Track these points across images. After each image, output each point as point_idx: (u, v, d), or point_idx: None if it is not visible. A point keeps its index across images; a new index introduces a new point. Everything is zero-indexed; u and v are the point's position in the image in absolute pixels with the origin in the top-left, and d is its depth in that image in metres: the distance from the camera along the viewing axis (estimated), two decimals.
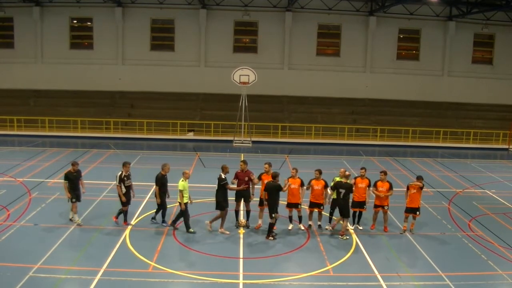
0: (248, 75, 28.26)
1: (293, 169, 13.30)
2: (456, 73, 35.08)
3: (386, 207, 13.33)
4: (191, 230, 12.70)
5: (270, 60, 34.12)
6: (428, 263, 11.31)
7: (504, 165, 26.74)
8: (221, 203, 12.62)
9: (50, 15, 33.38)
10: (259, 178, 13.25)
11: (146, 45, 34.11)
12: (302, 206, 13.22)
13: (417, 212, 13.28)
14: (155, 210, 13.48)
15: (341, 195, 12.67)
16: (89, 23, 34.21)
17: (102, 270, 10.22)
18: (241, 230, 12.99)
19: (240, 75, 28.29)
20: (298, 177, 13.06)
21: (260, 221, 13.33)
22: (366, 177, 13.40)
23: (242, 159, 13.97)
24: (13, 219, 13.29)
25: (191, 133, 31.19)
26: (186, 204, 12.60)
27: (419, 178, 13.34)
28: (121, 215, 13.20)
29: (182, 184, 12.52)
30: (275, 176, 12.53)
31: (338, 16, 33.91)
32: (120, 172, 12.86)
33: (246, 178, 13.08)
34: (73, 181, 13.11)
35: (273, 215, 12.36)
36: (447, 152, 29.27)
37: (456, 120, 34.01)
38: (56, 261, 10.62)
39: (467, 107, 35.04)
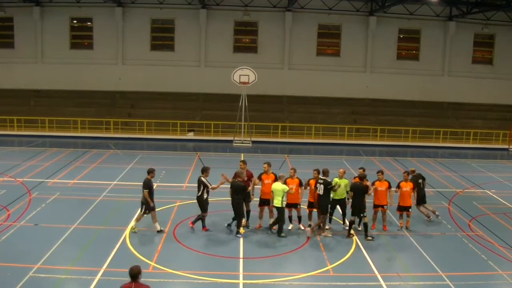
0: (248, 75, 28.25)
1: (291, 169, 13.29)
2: (456, 73, 35.07)
3: (385, 207, 13.37)
4: (283, 234, 12.70)
5: (270, 60, 34.12)
6: (428, 263, 11.31)
7: (504, 165, 26.73)
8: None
9: (50, 15, 33.38)
10: (259, 178, 13.22)
11: (146, 45, 34.11)
12: (301, 206, 13.21)
13: (409, 210, 13.44)
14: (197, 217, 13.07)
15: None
16: (89, 23, 34.21)
17: (102, 270, 10.22)
18: (241, 230, 12.98)
19: (240, 75, 28.28)
20: (297, 177, 13.05)
21: (260, 221, 13.33)
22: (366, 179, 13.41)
23: (242, 159, 13.95)
24: (13, 219, 13.29)
25: (191, 133, 31.19)
26: (282, 207, 12.48)
27: (412, 172, 13.37)
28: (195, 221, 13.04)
29: (275, 186, 12.50)
30: (362, 177, 12.72)
31: (338, 16, 33.91)
32: (147, 179, 12.57)
33: (246, 178, 13.07)
34: (152, 188, 12.71)
35: (363, 215, 12.58)
36: (447, 152, 29.27)
37: (456, 120, 34.01)
38: (56, 261, 10.62)
39: (467, 107, 35.04)
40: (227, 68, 30.33)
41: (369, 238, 12.66)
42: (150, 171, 12.73)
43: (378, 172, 13.49)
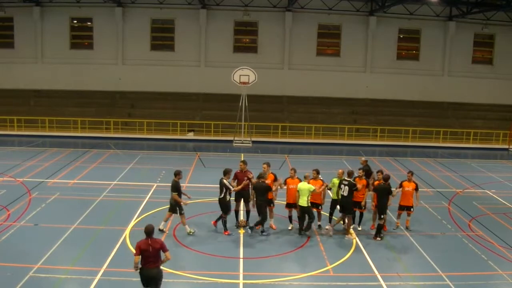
0: (248, 75, 28.24)
1: (291, 169, 13.29)
2: (456, 73, 35.06)
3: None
4: (307, 233, 12.80)
5: (270, 60, 34.12)
6: (428, 263, 11.31)
7: (504, 165, 26.72)
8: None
9: (50, 15, 33.38)
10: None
11: (146, 45, 34.11)
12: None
13: (411, 209, 13.46)
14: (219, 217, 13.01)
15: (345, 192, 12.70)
16: (89, 23, 34.20)
17: (102, 270, 10.22)
18: (241, 230, 12.98)
19: (240, 75, 28.27)
20: (297, 178, 13.04)
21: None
22: (364, 178, 13.41)
23: (242, 159, 13.95)
24: (13, 219, 13.29)
25: (191, 133, 31.19)
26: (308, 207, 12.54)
27: (386, 177, 13.36)
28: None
29: (301, 186, 12.55)
30: (386, 178, 12.80)
31: (338, 16, 33.91)
32: (175, 182, 12.54)
33: (246, 178, 13.08)
34: (180, 190, 12.68)
35: (382, 216, 12.61)
36: (447, 152, 29.27)
37: (456, 120, 34.00)
38: (56, 261, 10.63)
39: (467, 107, 35.03)
40: (227, 68, 30.33)
41: (378, 238, 12.73)
42: (177, 173, 12.68)
43: (377, 172, 13.49)
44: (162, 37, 34.57)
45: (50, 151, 24.68)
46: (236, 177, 13.17)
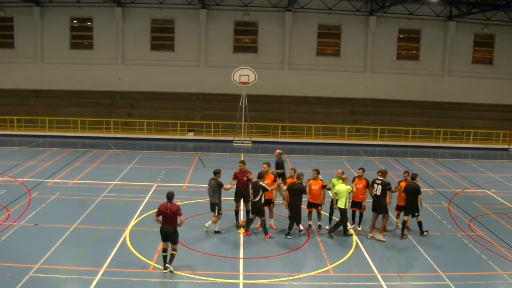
0: (248, 75, 28.24)
1: (291, 169, 13.28)
2: (456, 73, 35.07)
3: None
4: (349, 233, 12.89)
5: (270, 60, 34.12)
6: (428, 263, 11.31)
7: (504, 165, 26.72)
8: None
9: (50, 15, 33.38)
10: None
11: (146, 45, 34.11)
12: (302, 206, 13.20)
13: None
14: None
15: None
16: (89, 23, 34.21)
17: (102, 270, 10.22)
18: (241, 230, 12.98)
19: (240, 75, 28.27)
20: (297, 178, 13.03)
21: (260, 222, 13.29)
22: (364, 178, 13.39)
23: (241, 159, 13.95)
24: (13, 219, 13.29)
25: (191, 133, 31.19)
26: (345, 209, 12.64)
27: (413, 176, 13.40)
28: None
29: (340, 188, 12.64)
30: (414, 177, 12.90)
31: (338, 16, 33.91)
32: (217, 180, 12.55)
33: (245, 178, 13.08)
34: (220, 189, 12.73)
35: (416, 214, 12.84)
36: (447, 152, 29.27)
37: (456, 120, 34.00)
38: (56, 261, 10.62)
39: (467, 107, 35.03)
40: (227, 68, 30.33)
41: (425, 233, 13.05)
42: (217, 172, 12.68)
43: (378, 172, 13.46)
44: (162, 37, 34.57)
45: (50, 151, 24.69)
46: (235, 177, 13.16)
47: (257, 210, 12.60)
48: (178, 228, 10.32)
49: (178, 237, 10.37)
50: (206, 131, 31.12)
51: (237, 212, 13.58)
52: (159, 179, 18.84)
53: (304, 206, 13.53)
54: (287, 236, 12.67)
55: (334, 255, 11.59)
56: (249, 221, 12.95)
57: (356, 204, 13.30)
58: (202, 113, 32.97)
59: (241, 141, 28.83)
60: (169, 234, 10.19)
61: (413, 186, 12.77)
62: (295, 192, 12.54)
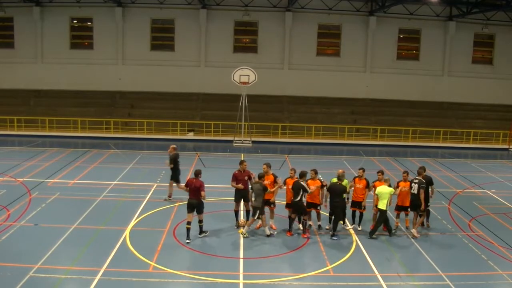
0: (248, 75, 28.24)
1: (291, 169, 13.26)
2: (456, 73, 35.06)
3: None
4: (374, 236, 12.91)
5: (270, 60, 34.12)
6: (428, 263, 11.31)
7: (504, 165, 26.71)
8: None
9: (50, 15, 33.38)
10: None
11: (146, 45, 34.10)
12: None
13: (408, 210, 13.47)
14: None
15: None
16: (89, 23, 34.20)
17: (102, 270, 10.22)
18: (241, 230, 12.97)
19: (240, 75, 28.27)
20: (296, 177, 13.03)
21: (260, 222, 13.29)
22: (364, 178, 13.41)
23: (241, 159, 13.93)
24: (13, 219, 13.29)
25: (191, 133, 31.19)
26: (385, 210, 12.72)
27: (405, 173, 13.56)
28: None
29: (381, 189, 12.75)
30: (419, 173, 13.05)
31: (338, 16, 33.90)
32: (260, 184, 12.55)
33: (246, 178, 13.09)
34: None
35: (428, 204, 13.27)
36: (447, 152, 29.27)
37: (456, 120, 34.00)
38: (56, 261, 10.62)
39: (467, 107, 35.02)
40: (227, 68, 30.34)
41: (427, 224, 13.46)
42: (263, 176, 12.72)
43: (378, 172, 13.47)
44: (162, 37, 34.55)
45: (50, 151, 24.68)
46: (235, 177, 13.16)
47: (298, 209, 12.63)
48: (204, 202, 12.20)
49: (202, 208, 12.20)
50: (206, 131, 31.12)
51: (237, 212, 13.58)
52: (159, 179, 18.84)
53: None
54: (333, 238, 12.68)
55: (334, 255, 11.60)
56: (291, 221, 12.96)
57: (356, 204, 13.31)
58: (202, 113, 32.97)
59: (241, 141, 28.83)
60: (194, 205, 12.06)
61: (337, 187, 12.79)
62: (336, 193, 12.62)
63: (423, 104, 34.49)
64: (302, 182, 12.49)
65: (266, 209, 13.04)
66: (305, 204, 12.69)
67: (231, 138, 29.25)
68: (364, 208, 13.36)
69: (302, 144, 30.29)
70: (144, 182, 18.17)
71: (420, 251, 12.07)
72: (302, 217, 12.88)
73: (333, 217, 12.98)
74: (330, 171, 15.41)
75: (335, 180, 13.08)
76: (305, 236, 12.69)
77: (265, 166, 13.19)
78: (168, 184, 15.82)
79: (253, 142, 29.14)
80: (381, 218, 12.78)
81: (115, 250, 11.39)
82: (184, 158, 24.56)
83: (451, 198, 17.46)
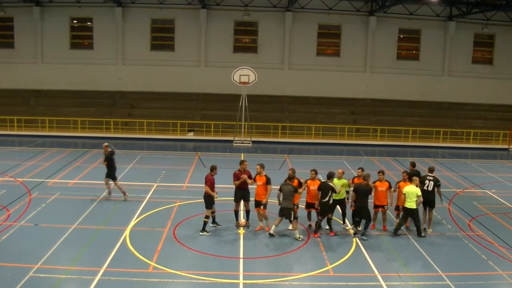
0: (248, 75, 28.24)
1: (290, 169, 13.21)
2: (456, 73, 35.06)
3: (385, 207, 13.37)
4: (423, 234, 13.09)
5: (270, 60, 34.12)
6: (428, 263, 11.31)
7: (504, 165, 26.71)
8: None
9: (50, 15, 33.38)
10: (254, 179, 13.09)
11: (146, 45, 34.10)
12: (299, 206, 13.18)
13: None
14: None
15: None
16: (89, 23, 34.20)
17: (102, 270, 10.22)
18: (241, 230, 12.98)
19: (240, 75, 28.27)
20: (296, 178, 13.01)
21: (260, 224, 13.24)
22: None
23: (242, 159, 13.91)
24: (13, 219, 13.29)
25: (191, 133, 31.19)
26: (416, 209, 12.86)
27: (405, 173, 13.69)
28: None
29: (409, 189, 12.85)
30: (431, 170, 13.33)
31: (338, 16, 33.90)
32: (293, 185, 12.59)
33: (245, 177, 13.07)
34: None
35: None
36: (447, 152, 29.27)
37: (456, 120, 34.00)
38: (56, 261, 10.62)
39: (467, 107, 35.02)
40: (227, 68, 30.34)
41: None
42: (293, 177, 12.71)
43: (378, 172, 13.47)
44: (162, 37, 34.55)
45: (50, 151, 24.68)
46: (236, 177, 13.15)
47: (326, 210, 12.69)
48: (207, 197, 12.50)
49: (205, 203, 12.47)
50: (206, 131, 31.12)
51: (237, 212, 13.56)
52: (159, 179, 18.84)
53: (302, 206, 13.55)
54: (363, 237, 12.70)
55: (334, 255, 11.59)
56: (318, 223, 12.98)
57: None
58: (202, 113, 32.96)
59: (241, 141, 28.83)
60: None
61: (362, 187, 12.86)
62: (362, 193, 12.65)
63: (423, 104, 34.49)
64: (330, 183, 12.59)
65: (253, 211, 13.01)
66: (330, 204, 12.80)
67: (231, 138, 29.25)
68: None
69: (302, 144, 30.29)
70: (144, 182, 18.16)
71: (420, 251, 12.07)
72: (328, 217, 12.93)
73: (354, 217, 13.01)
74: (329, 171, 15.38)
75: (335, 180, 13.06)
76: (316, 235, 12.75)
77: (258, 166, 13.06)
78: (104, 182, 15.81)
79: (253, 142, 29.14)
80: (416, 216, 12.91)
81: (115, 250, 11.39)
82: (184, 158, 24.70)
83: (451, 198, 17.45)
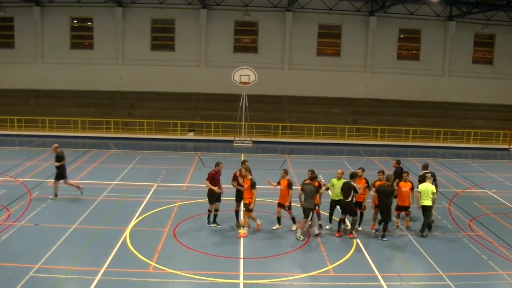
0: (249, 75, 28.24)
1: (309, 170, 13.11)
2: (456, 73, 35.07)
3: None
4: (424, 234, 13.10)
5: (270, 60, 34.12)
6: (428, 263, 11.30)
7: (504, 165, 26.71)
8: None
9: (50, 15, 33.39)
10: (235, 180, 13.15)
11: (146, 45, 34.11)
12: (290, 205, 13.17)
13: (408, 209, 13.54)
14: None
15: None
16: (89, 23, 34.21)
17: (102, 270, 10.21)
18: (241, 230, 12.97)
19: (240, 75, 28.27)
20: (288, 179, 12.98)
21: (258, 221, 13.22)
22: (364, 177, 13.41)
23: (243, 159, 13.90)
24: (13, 219, 13.29)
25: (191, 133, 31.20)
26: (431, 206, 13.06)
27: (405, 173, 13.72)
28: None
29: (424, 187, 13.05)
30: (426, 166, 13.83)
31: (339, 16, 33.91)
32: (314, 186, 12.62)
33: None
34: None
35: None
36: (447, 152, 29.26)
37: (456, 120, 34.00)
38: (56, 261, 10.62)
39: (467, 107, 35.02)
40: (227, 68, 30.34)
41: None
42: (315, 177, 12.76)
43: (378, 172, 13.46)
44: (162, 37, 34.56)
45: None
46: (236, 177, 13.15)
47: (349, 210, 12.72)
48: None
49: (208, 198, 12.79)
50: (206, 131, 31.12)
51: (237, 212, 13.56)
52: (159, 179, 18.84)
53: (297, 204, 13.52)
54: (384, 239, 12.73)
55: (334, 255, 11.59)
56: (340, 222, 12.99)
57: (356, 204, 13.28)
58: (202, 113, 32.97)
59: (241, 141, 28.83)
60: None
61: (385, 188, 12.89)
62: (385, 194, 12.67)
63: (423, 104, 34.49)
64: (353, 183, 12.66)
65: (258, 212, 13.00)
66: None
67: (231, 138, 29.24)
68: (365, 208, 13.36)
69: (302, 144, 30.28)
70: (144, 182, 18.16)
71: (420, 251, 12.07)
72: (352, 218, 12.98)
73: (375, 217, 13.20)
74: (330, 171, 15.39)
75: (335, 180, 13.04)
76: (351, 236, 12.76)
77: (243, 168, 12.96)
78: (53, 183, 15.63)
79: (253, 142, 29.13)
80: (428, 213, 13.04)
81: (115, 250, 11.39)
82: (184, 158, 24.69)
83: (452, 198, 17.45)
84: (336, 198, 13.06)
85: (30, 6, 32.88)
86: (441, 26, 34.39)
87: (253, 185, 12.56)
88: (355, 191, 12.58)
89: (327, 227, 13.41)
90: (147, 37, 34.09)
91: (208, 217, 13.27)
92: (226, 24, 33.95)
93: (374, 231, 13.22)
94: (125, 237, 12.28)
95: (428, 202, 12.88)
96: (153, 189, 17.24)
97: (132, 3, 33.19)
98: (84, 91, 33.41)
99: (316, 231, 12.82)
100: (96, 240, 12.03)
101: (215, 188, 12.89)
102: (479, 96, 34.99)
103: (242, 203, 13.39)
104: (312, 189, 12.41)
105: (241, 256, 11.45)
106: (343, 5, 32.98)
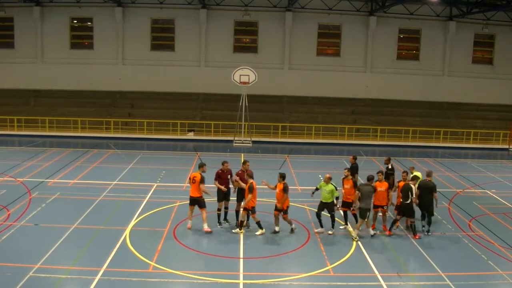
0: (248, 75, 28.24)
1: (403, 172, 13.57)
2: (456, 73, 35.08)
3: (385, 207, 13.37)
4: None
5: (270, 60, 34.13)
6: (428, 263, 11.30)
7: (504, 165, 26.70)
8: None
9: (50, 15, 33.39)
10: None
11: (146, 45, 34.11)
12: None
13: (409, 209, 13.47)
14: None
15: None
16: (89, 23, 34.21)
17: (102, 270, 10.21)
18: (241, 230, 12.96)
19: (240, 75, 28.27)
20: (284, 182, 12.78)
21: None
22: (351, 178, 13.46)
23: (244, 159, 13.90)
24: (13, 219, 13.29)
25: (191, 133, 31.20)
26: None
27: (404, 173, 13.72)
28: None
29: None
30: (429, 174, 13.50)
31: (338, 16, 33.92)
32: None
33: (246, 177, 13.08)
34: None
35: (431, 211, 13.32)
36: (447, 152, 29.26)
37: (456, 120, 34.00)
38: (56, 261, 10.62)
39: (467, 107, 35.04)
40: (227, 68, 30.35)
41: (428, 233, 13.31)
42: (372, 178, 12.99)
43: (378, 173, 13.45)
44: (162, 37, 34.57)
45: (50, 151, 24.68)
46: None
47: (408, 211, 12.90)
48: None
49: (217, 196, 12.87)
50: (206, 131, 31.12)
51: (237, 212, 13.54)
52: (159, 179, 18.84)
53: (296, 204, 13.53)
54: (429, 233, 13.09)
55: (334, 255, 11.59)
56: (394, 221, 13.20)
57: (347, 205, 13.30)
58: (202, 113, 32.97)
59: (241, 141, 28.83)
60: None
61: (428, 184, 13.08)
62: (427, 191, 12.96)
63: (423, 104, 34.51)
64: (412, 184, 12.86)
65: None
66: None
67: (231, 138, 29.24)
68: (352, 209, 13.33)
69: (302, 144, 30.28)
70: (144, 182, 18.16)
71: (420, 251, 12.06)
72: (409, 220, 13.10)
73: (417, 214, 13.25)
74: (330, 171, 15.38)
75: (323, 183, 12.92)
76: (417, 237, 12.86)
77: (244, 170, 13.13)
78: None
79: (253, 142, 29.13)
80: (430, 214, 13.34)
81: (115, 250, 11.39)
82: (184, 158, 24.70)
83: (451, 198, 17.45)
84: (324, 201, 12.98)
85: (30, 6, 32.88)
86: (441, 26, 34.40)
87: (285, 189, 12.57)
88: (411, 193, 12.76)
89: (341, 227, 13.41)
90: (147, 37, 34.09)
91: (218, 217, 13.33)
92: (226, 24, 33.96)
93: (373, 231, 13.18)
94: (125, 237, 12.28)
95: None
96: (153, 189, 17.25)
97: (132, 3, 33.19)
98: (84, 91, 33.42)
99: (372, 232, 12.98)
100: (96, 240, 12.03)
101: (222, 187, 13.07)
102: (479, 96, 35.00)
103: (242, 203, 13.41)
104: (370, 189, 12.71)
105: (241, 256, 11.45)
106: (343, 5, 32.99)
